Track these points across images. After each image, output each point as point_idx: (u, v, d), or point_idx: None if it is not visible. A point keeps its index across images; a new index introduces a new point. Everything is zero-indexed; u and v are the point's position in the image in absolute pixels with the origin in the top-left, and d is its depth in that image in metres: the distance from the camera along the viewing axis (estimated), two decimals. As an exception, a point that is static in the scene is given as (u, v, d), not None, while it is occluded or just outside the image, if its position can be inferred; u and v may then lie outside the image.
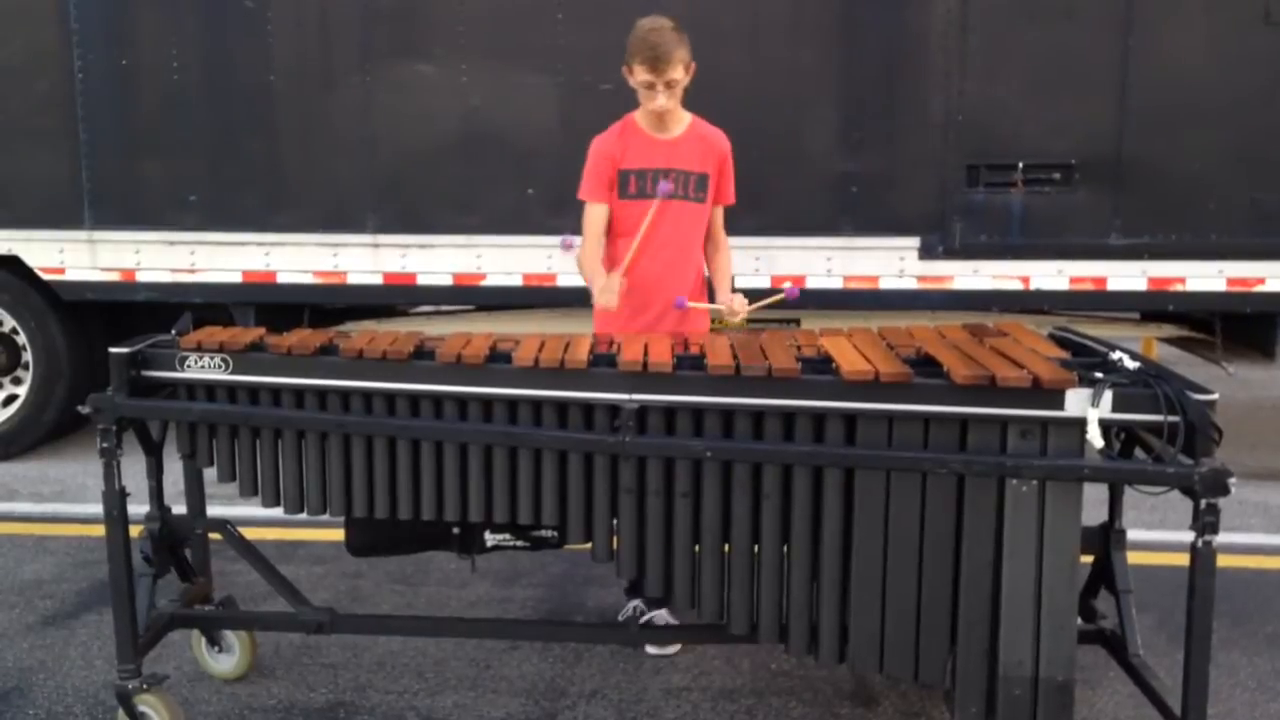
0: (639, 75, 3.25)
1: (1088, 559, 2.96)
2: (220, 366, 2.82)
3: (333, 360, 2.79)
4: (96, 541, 3.67)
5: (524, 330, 4.73)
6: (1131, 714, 3.11)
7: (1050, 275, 5.04)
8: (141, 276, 5.43)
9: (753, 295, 3.41)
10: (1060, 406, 2.43)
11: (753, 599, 2.66)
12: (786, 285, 3.44)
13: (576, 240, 3.40)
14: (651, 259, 3.36)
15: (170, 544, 3.10)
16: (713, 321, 3.42)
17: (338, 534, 3.19)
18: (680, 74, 3.24)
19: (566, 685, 3.33)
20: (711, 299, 3.50)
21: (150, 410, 2.88)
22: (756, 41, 4.98)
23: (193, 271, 5.40)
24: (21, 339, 5.71)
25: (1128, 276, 5.01)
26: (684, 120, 3.42)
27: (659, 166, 3.36)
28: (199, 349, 2.83)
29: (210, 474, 2.95)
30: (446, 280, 5.30)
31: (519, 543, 3.16)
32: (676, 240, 3.39)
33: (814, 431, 2.56)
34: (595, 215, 3.39)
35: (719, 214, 3.53)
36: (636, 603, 3.57)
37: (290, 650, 3.52)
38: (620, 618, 3.58)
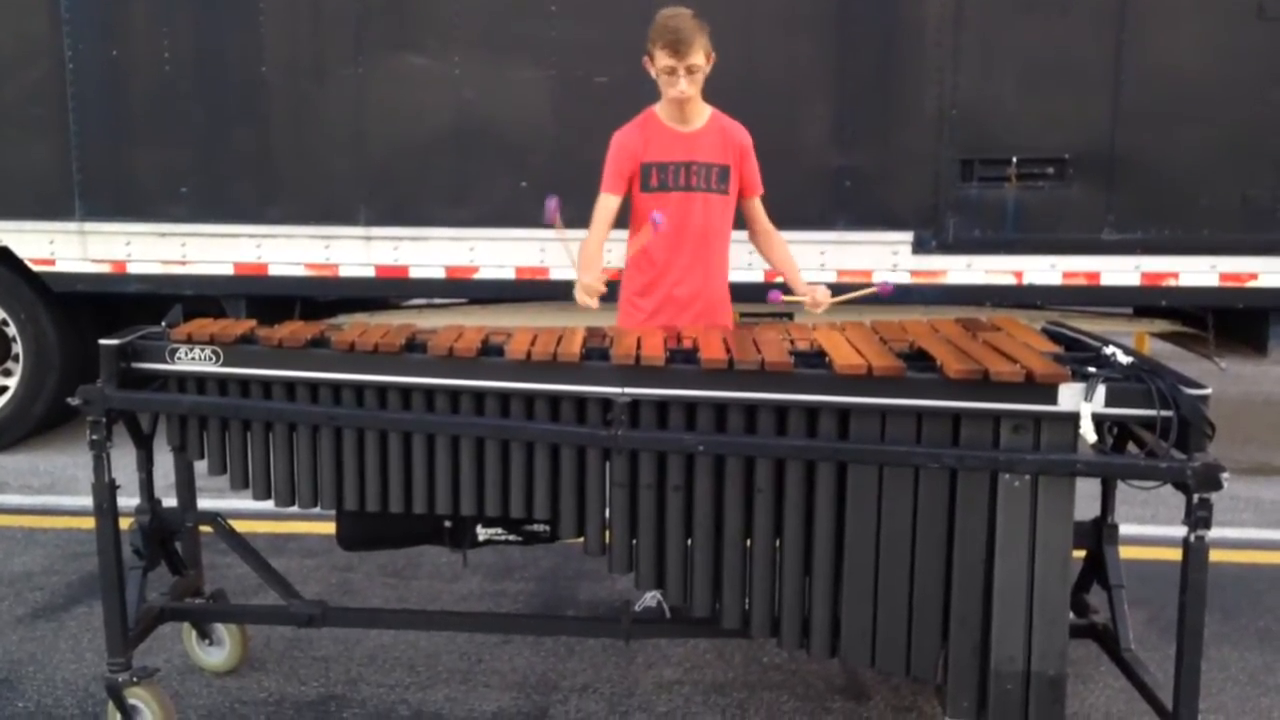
0: (660, 61, 3.24)
1: (1080, 554, 2.96)
2: (211, 359, 2.80)
3: (324, 353, 2.78)
4: (86, 534, 3.67)
5: (517, 323, 4.74)
6: (1123, 709, 3.11)
7: (1044, 270, 5.04)
8: (132, 268, 5.41)
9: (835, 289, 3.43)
10: (1053, 401, 2.43)
11: (745, 593, 2.66)
12: (882, 281, 3.42)
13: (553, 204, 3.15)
14: (675, 252, 3.37)
15: (161, 537, 3.09)
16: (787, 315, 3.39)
17: (329, 527, 3.17)
18: (701, 60, 3.24)
19: (558, 679, 3.32)
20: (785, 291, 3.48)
21: (140, 402, 2.86)
22: (751, 35, 4.97)
23: (184, 263, 5.38)
24: (11, 331, 5.69)
25: (1121, 271, 5.01)
26: (704, 112, 3.42)
27: (680, 159, 3.36)
28: (189, 341, 2.81)
29: (201, 467, 2.94)
30: (439, 273, 5.29)
31: (511, 537, 3.15)
32: (700, 233, 3.40)
33: (807, 426, 2.55)
34: (605, 205, 3.37)
35: (758, 206, 3.54)
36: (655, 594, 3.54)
37: (281, 643, 3.52)
38: (637, 607, 3.57)
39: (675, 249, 3.37)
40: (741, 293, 4.87)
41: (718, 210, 3.43)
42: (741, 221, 3.56)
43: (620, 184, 3.38)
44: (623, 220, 3.46)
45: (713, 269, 3.46)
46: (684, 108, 3.33)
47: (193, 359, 2.81)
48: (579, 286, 3.19)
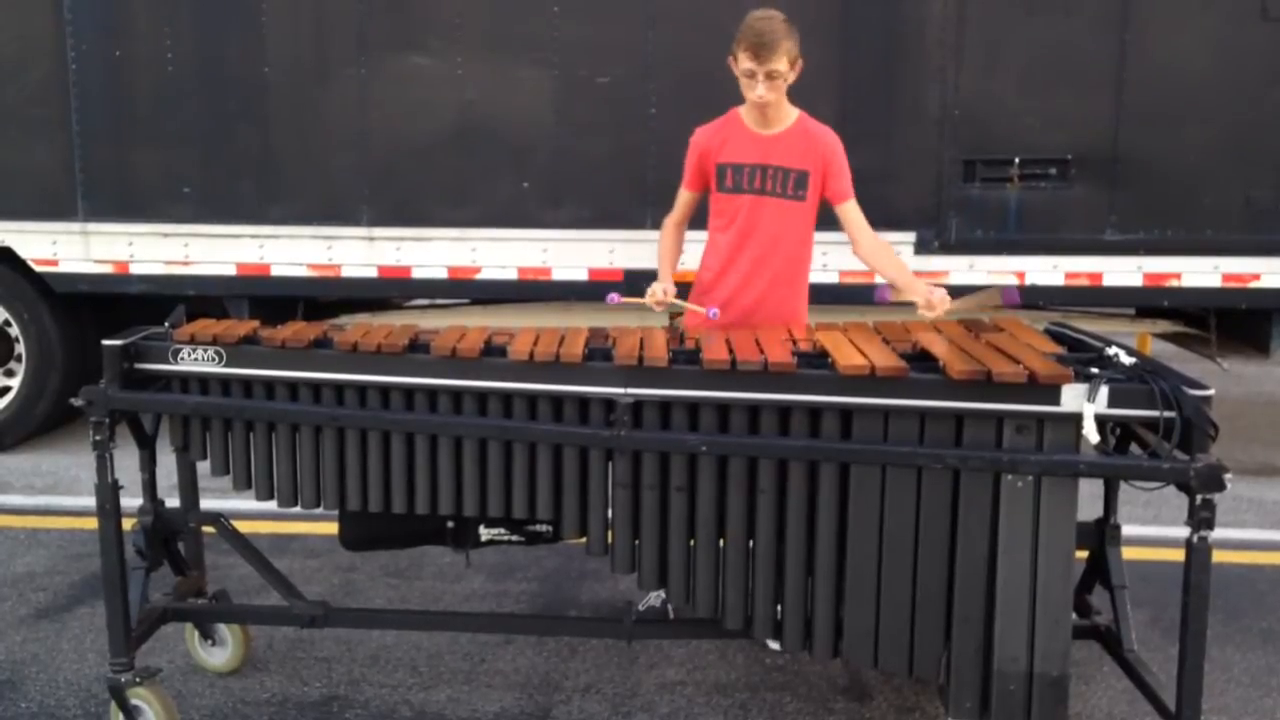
0: (742, 63, 3.21)
1: (1083, 554, 2.95)
2: (214, 359, 2.80)
3: (327, 353, 2.78)
4: (89, 534, 3.67)
5: (519, 324, 4.74)
6: (1126, 710, 3.11)
7: (1046, 271, 5.03)
8: (135, 269, 5.41)
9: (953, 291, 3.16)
10: (1056, 402, 2.43)
11: (747, 594, 2.66)
12: (1008, 283, 3.31)
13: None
14: (738, 255, 3.33)
15: (163, 537, 3.09)
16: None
17: (332, 528, 3.18)
18: (783, 66, 3.19)
19: (561, 679, 3.32)
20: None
21: (143, 403, 2.86)
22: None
23: (186, 264, 5.38)
24: (14, 331, 5.69)
25: (1123, 272, 5.00)
26: (789, 116, 3.37)
27: (756, 161, 3.31)
28: (192, 341, 2.81)
29: (203, 467, 2.94)
30: (441, 273, 5.29)
31: (514, 537, 3.15)
32: (768, 238, 3.32)
33: (810, 426, 2.55)
34: (679, 199, 3.45)
35: (850, 212, 3.37)
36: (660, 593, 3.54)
37: (284, 644, 3.52)
38: (640, 608, 3.57)
39: (737, 253, 3.32)
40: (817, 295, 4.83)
41: (792, 217, 3.33)
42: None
43: (694, 180, 3.40)
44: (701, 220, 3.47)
45: (780, 277, 3.35)
46: (765, 111, 3.29)
47: (195, 359, 2.81)
48: (651, 287, 3.27)
